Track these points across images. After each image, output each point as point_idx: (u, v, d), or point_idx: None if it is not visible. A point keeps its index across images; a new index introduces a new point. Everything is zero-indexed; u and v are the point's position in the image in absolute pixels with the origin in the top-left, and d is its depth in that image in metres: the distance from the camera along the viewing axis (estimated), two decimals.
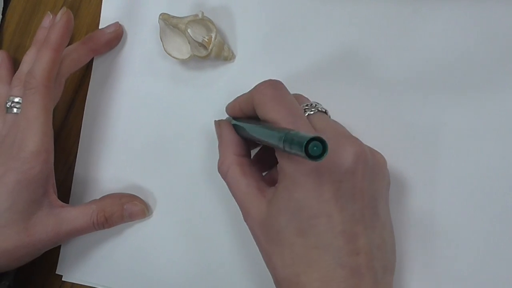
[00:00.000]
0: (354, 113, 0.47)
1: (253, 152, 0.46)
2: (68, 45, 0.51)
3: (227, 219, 0.49)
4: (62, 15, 0.48)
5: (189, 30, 0.48)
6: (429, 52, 0.46)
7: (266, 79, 0.42)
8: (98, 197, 0.50)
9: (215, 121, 0.46)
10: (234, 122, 0.44)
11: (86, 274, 0.52)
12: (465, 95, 0.45)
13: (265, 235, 0.38)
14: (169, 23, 0.48)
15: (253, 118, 0.41)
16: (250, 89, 0.45)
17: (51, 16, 0.53)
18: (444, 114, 0.45)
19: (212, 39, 0.48)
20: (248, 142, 0.43)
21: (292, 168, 0.36)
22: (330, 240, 0.36)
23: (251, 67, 0.50)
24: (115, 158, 0.52)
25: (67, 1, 0.56)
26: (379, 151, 0.40)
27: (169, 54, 0.49)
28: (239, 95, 0.44)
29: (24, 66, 0.50)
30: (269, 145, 0.37)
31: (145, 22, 0.53)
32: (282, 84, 0.40)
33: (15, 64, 0.56)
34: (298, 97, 0.43)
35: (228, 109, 0.45)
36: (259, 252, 0.40)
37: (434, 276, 0.44)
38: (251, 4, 0.50)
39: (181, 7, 0.51)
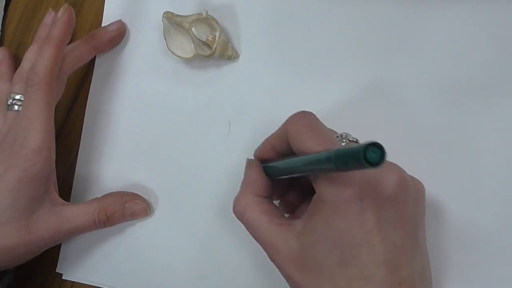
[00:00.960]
0: (367, 127, 0.46)
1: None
2: (70, 43, 0.50)
3: (229, 219, 0.48)
4: (64, 11, 0.48)
5: (193, 29, 0.48)
6: (438, 54, 0.46)
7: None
8: (99, 196, 0.50)
9: (247, 159, 0.44)
10: (265, 165, 0.43)
11: (87, 272, 0.52)
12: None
13: (300, 269, 0.37)
14: (173, 22, 0.48)
15: (286, 156, 0.40)
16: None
17: (53, 13, 0.53)
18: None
19: (216, 38, 0.48)
20: (273, 187, 0.42)
21: (333, 194, 0.35)
22: (372, 270, 0.34)
23: (255, 66, 0.50)
24: (117, 157, 0.52)
25: None
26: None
27: (172, 53, 0.49)
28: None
29: (26, 63, 0.50)
30: (311, 172, 0.36)
31: (148, 20, 0.53)
32: (314, 114, 0.40)
33: (16, 61, 0.55)
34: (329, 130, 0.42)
35: (258, 152, 0.44)
36: (262, 251, 0.39)
37: None
38: (255, 3, 0.50)
39: (185, 6, 0.51)
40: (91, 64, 0.54)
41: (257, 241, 0.39)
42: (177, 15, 0.48)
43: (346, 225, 0.34)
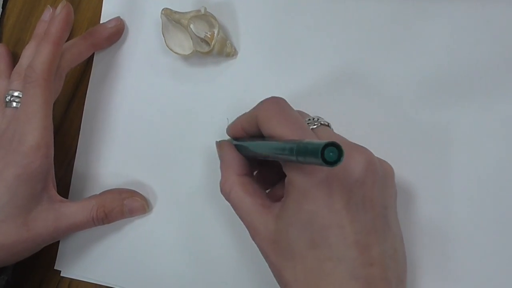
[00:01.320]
0: (357, 120, 0.47)
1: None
2: (68, 40, 0.50)
3: (227, 217, 0.48)
4: (62, 8, 0.48)
5: (191, 26, 0.48)
6: (434, 55, 0.46)
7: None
8: (98, 193, 0.50)
9: (216, 141, 0.46)
10: (236, 142, 0.44)
11: (85, 269, 0.52)
12: (473, 97, 0.45)
13: (275, 250, 0.38)
14: (172, 18, 0.48)
15: (255, 137, 0.41)
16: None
17: (51, 10, 0.53)
18: (449, 117, 0.45)
19: (215, 35, 0.48)
20: (250, 162, 0.43)
21: (301, 179, 0.36)
22: (343, 251, 0.35)
23: (253, 63, 0.50)
24: (115, 154, 0.52)
25: None
26: (384, 159, 0.40)
27: (171, 50, 0.49)
28: (240, 114, 0.43)
29: (24, 60, 0.50)
30: (278, 159, 0.37)
31: (147, 17, 0.53)
32: (285, 100, 0.40)
33: (14, 58, 0.55)
34: (300, 113, 0.43)
35: (229, 130, 0.45)
36: (259, 253, 0.40)
37: (446, 284, 0.44)
38: (254, 0, 0.50)
39: (184, 2, 0.51)
40: (89, 61, 0.54)
41: (241, 221, 0.41)
42: (176, 12, 0.48)
43: (315, 208, 0.35)
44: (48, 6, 0.54)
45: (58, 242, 0.52)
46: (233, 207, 0.41)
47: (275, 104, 0.39)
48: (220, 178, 0.42)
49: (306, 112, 0.43)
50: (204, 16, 0.48)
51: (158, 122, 0.51)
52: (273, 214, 0.38)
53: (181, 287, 0.49)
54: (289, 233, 0.37)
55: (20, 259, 0.48)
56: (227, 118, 0.45)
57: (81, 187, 0.53)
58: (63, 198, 0.48)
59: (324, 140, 0.29)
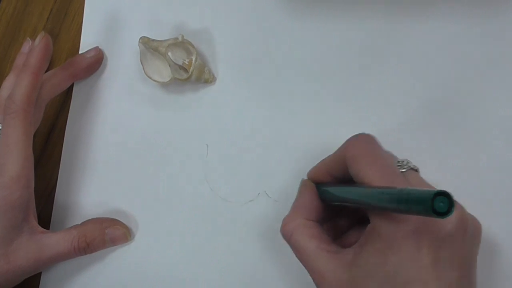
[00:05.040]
0: None
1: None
2: (48, 70, 0.50)
3: (209, 241, 0.48)
4: (40, 39, 0.48)
5: (169, 53, 0.49)
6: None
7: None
8: (79, 223, 0.50)
9: (302, 179, 0.44)
10: (323, 187, 0.42)
11: None
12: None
13: None
14: (149, 47, 0.49)
15: (340, 183, 0.40)
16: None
17: (31, 42, 0.53)
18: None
19: (193, 62, 0.48)
20: (324, 212, 0.41)
21: (389, 228, 0.34)
22: None
23: (232, 89, 0.50)
24: (96, 183, 0.52)
25: (47, 26, 0.56)
26: None
27: (149, 78, 0.49)
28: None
29: (3, 91, 0.50)
30: (369, 206, 0.35)
31: (125, 46, 0.53)
32: (375, 138, 0.39)
33: None
34: (389, 155, 0.41)
35: (312, 173, 0.43)
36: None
37: None
38: (231, 26, 0.51)
39: (161, 31, 0.52)
40: (69, 91, 0.54)
41: (304, 265, 0.38)
42: (153, 40, 0.49)
43: (400, 260, 0.33)
44: (28, 38, 0.54)
45: (40, 274, 0.52)
46: (294, 250, 0.39)
47: (365, 142, 0.38)
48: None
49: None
50: (181, 44, 0.49)
51: (138, 150, 0.51)
52: (344, 261, 0.36)
53: None
54: (367, 284, 0.35)
55: None
56: (207, 144, 0.45)
57: (63, 218, 0.52)
58: (44, 229, 0.48)
59: (433, 189, 0.28)
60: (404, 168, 0.38)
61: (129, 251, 0.50)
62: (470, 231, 0.35)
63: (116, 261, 0.50)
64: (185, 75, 0.49)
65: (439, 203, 0.27)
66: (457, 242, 0.34)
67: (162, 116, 0.51)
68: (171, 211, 0.50)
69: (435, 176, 0.41)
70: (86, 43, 0.54)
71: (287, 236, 0.40)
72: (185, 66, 0.49)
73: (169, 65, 0.48)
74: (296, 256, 0.39)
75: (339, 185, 0.40)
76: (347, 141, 0.39)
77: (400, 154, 0.41)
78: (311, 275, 0.38)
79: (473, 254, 0.36)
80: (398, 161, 0.39)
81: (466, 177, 0.44)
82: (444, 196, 0.27)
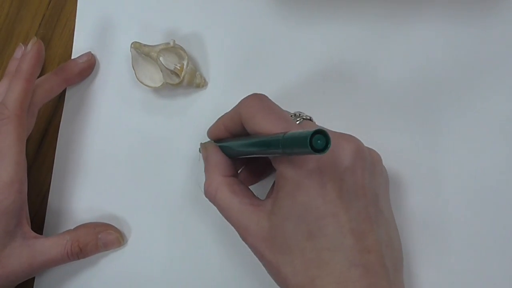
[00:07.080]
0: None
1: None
2: (40, 76, 0.51)
3: (202, 245, 0.48)
4: (33, 45, 0.49)
5: (161, 58, 0.49)
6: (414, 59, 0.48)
7: None
8: (72, 228, 0.50)
9: (201, 143, 0.45)
10: (220, 144, 0.43)
11: None
12: (462, 93, 0.46)
13: (271, 247, 0.37)
14: (141, 52, 0.49)
15: (239, 136, 0.41)
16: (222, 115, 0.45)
17: (23, 48, 0.53)
18: (442, 114, 0.46)
19: (184, 66, 0.49)
20: (235, 162, 0.43)
21: (293, 172, 0.36)
22: (340, 239, 0.35)
23: (224, 93, 0.50)
24: (89, 188, 0.52)
25: (39, 32, 0.56)
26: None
27: (141, 82, 0.50)
28: (219, 116, 0.44)
29: None
30: (266, 154, 0.37)
31: (117, 51, 0.53)
32: (267, 96, 0.40)
33: None
34: None
35: (210, 132, 0.45)
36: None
37: (442, 273, 0.44)
38: (222, 31, 0.51)
39: (153, 36, 0.52)
40: (61, 97, 0.54)
41: (230, 222, 0.40)
42: (145, 45, 0.49)
43: (309, 199, 0.35)
44: (20, 44, 0.54)
45: (33, 279, 0.52)
46: (219, 209, 0.41)
47: (258, 100, 0.40)
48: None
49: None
50: (173, 49, 0.49)
51: (131, 155, 0.51)
52: (265, 211, 0.38)
53: None
54: (285, 227, 0.36)
55: None
56: (199, 149, 0.45)
57: (56, 223, 0.52)
58: (37, 234, 0.48)
59: (311, 129, 0.30)
60: (297, 120, 0.41)
61: (122, 256, 0.50)
62: (368, 161, 0.38)
63: (109, 266, 0.50)
64: (176, 80, 0.49)
65: (317, 141, 0.30)
66: (357, 173, 0.37)
67: (154, 121, 0.51)
68: (164, 216, 0.50)
69: (431, 174, 0.44)
70: (78, 49, 0.54)
71: (211, 197, 0.41)
72: (176, 71, 0.49)
73: (161, 70, 0.49)
74: (222, 214, 0.41)
75: (235, 139, 0.41)
76: (240, 101, 0.40)
77: (398, 155, 0.43)
78: (237, 231, 0.40)
79: (376, 183, 0.39)
80: (292, 114, 0.41)
81: (466, 177, 0.45)
82: (320, 134, 0.30)
